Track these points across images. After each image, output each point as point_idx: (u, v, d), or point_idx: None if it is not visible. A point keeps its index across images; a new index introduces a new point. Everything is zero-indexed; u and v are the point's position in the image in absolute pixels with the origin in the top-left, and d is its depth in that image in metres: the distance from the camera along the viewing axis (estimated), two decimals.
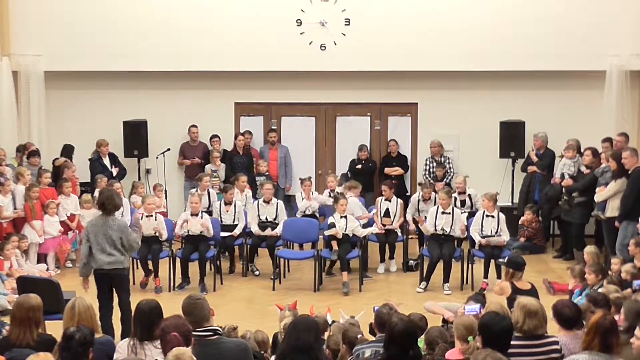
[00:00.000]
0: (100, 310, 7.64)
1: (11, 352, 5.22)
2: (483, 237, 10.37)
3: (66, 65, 12.75)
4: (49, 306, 6.23)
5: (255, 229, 10.91)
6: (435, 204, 10.95)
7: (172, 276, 10.32)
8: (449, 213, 10.40)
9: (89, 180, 12.48)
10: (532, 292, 7.04)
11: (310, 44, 12.68)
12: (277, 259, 10.56)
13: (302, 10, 12.69)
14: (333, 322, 6.64)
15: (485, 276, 10.29)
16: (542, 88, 12.86)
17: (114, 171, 12.60)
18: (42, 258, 10.98)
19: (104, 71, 12.93)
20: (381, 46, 12.53)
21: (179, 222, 10.55)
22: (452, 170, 12.77)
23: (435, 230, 10.39)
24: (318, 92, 13.25)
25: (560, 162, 11.72)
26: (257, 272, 10.96)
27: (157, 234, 10.32)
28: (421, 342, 5.59)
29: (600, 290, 7.19)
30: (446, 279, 10.26)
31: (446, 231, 10.33)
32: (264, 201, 11.02)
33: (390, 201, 11.11)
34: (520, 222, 12.04)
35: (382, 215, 11.11)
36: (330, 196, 11.21)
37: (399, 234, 11.17)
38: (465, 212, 11.06)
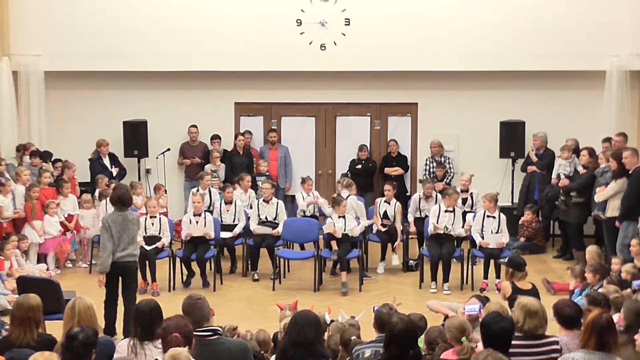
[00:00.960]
0: (106, 303, 7.94)
1: (11, 352, 5.23)
2: (484, 237, 10.38)
3: (66, 65, 12.75)
4: (49, 306, 6.23)
5: (254, 226, 10.91)
6: (436, 202, 10.94)
7: (172, 276, 10.32)
8: (452, 211, 10.40)
9: (89, 180, 12.48)
10: (533, 292, 7.04)
11: (310, 44, 12.68)
12: (277, 259, 10.55)
13: (302, 10, 12.69)
14: (332, 321, 6.63)
15: (485, 276, 10.29)
16: (542, 88, 12.86)
17: (114, 171, 12.60)
18: (42, 258, 10.98)
19: (104, 71, 12.93)
20: (381, 46, 12.53)
21: (184, 227, 10.53)
22: (452, 170, 12.77)
23: (437, 230, 10.39)
24: (318, 92, 13.25)
25: (556, 162, 11.72)
26: (256, 278, 10.92)
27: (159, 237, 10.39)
28: (421, 342, 5.59)
29: (600, 290, 7.19)
30: (446, 279, 10.26)
31: (449, 229, 10.32)
32: (264, 200, 11.03)
33: (389, 203, 11.10)
34: (520, 222, 12.04)
35: (381, 217, 11.11)
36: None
37: (399, 234, 11.14)
38: (465, 210, 11.04)
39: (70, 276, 10.85)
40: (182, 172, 13.37)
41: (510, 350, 4.86)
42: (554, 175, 11.58)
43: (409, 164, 13.20)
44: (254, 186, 12.08)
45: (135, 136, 12.95)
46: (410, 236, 11.54)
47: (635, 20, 12.27)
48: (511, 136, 12.57)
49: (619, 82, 12.33)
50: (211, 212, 10.87)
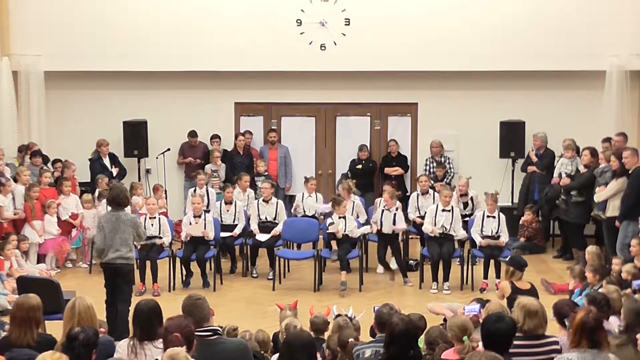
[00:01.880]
0: (107, 305, 8.00)
1: (11, 352, 5.23)
2: (483, 237, 10.38)
3: (66, 65, 12.75)
4: (49, 306, 6.23)
5: (254, 227, 10.91)
6: (434, 200, 10.94)
7: (172, 276, 10.32)
8: (449, 210, 10.39)
9: (89, 180, 12.47)
10: (532, 292, 7.05)
11: (310, 44, 12.68)
12: (277, 259, 10.55)
13: (302, 10, 12.69)
14: (338, 315, 6.61)
15: (485, 276, 10.29)
16: (542, 88, 12.85)
17: (114, 171, 12.60)
18: (41, 258, 10.98)
19: (104, 71, 12.93)
20: (381, 46, 12.53)
21: (184, 228, 10.53)
22: (452, 170, 12.77)
23: (435, 230, 10.39)
24: (318, 92, 13.24)
25: (559, 161, 11.72)
26: (255, 275, 10.95)
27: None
28: (421, 342, 5.59)
29: (600, 290, 7.19)
30: (446, 279, 10.26)
31: (446, 229, 10.33)
32: (264, 200, 11.03)
33: (389, 211, 11.07)
34: (520, 222, 12.04)
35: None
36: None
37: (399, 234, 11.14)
38: (466, 213, 11.05)
39: (70, 276, 10.85)
40: (182, 172, 13.37)
41: (510, 350, 4.87)
42: (555, 174, 11.58)
43: (409, 164, 13.20)
44: (253, 186, 12.09)
45: (135, 136, 12.95)
46: (410, 236, 11.55)
47: (635, 20, 12.27)
48: (511, 136, 12.57)
49: (619, 82, 12.33)
50: (208, 211, 10.87)
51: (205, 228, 10.40)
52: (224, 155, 12.95)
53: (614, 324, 6.10)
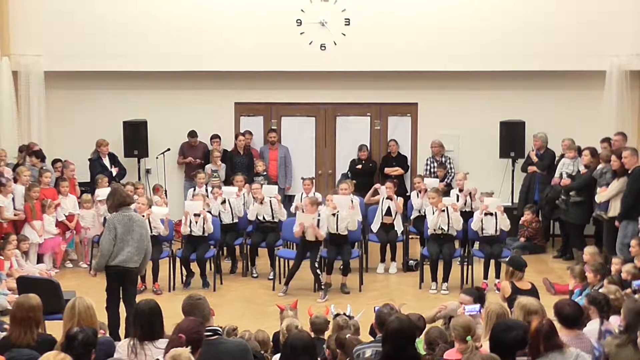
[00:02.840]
0: (108, 309, 7.83)
1: (11, 352, 5.22)
2: (483, 237, 10.38)
3: (66, 65, 12.74)
4: (49, 306, 6.23)
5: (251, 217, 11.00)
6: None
7: (172, 276, 10.33)
8: (444, 211, 10.39)
9: (89, 180, 12.47)
10: (533, 292, 7.05)
11: (310, 44, 12.68)
12: (277, 259, 10.54)
13: (302, 10, 12.69)
14: (337, 315, 6.61)
15: (485, 276, 10.29)
16: (542, 88, 12.85)
17: (114, 171, 12.59)
18: (41, 258, 10.97)
19: (104, 71, 12.92)
20: (381, 46, 12.53)
21: (183, 227, 10.51)
22: (452, 170, 12.77)
23: (434, 230, 10.39)
24: (318, 92, 13.25)
25: (560, 161, 11.71)
26: (255, 275, 10.96)
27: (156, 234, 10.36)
28: (421, 342, 5.59)
29: (600, 290, 7.19)
30: (445, 279, 10.27)
31: (444, 230, 10.33)
32: (259, 202, 11.02)
33: (391, 199, 11.12)
34: (520, 222, 12.04)
35: (383, 213, 11.11)
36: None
37: (399, 233, 11.16)
38: (466, 210, 11.05)
39: (70, 276, 10.85)
40: (182, 172, 13.37)
41: None
42: (557, 174, 11.58)
43: (409, 164, 13.20)
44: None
45: (135, 136, 12.95)
46: (410, 236, 11.55)
47: (635, 20, 12.27)
48: (511, 136, 12.57)
49: (619, 82, 12.33)
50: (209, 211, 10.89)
51: (204, 224, 10.40)
52: (224, 155, 12.95)
53: (614, 324, 6.09)
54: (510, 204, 12.57)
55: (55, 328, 5.98)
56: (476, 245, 10.70)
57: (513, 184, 12.74)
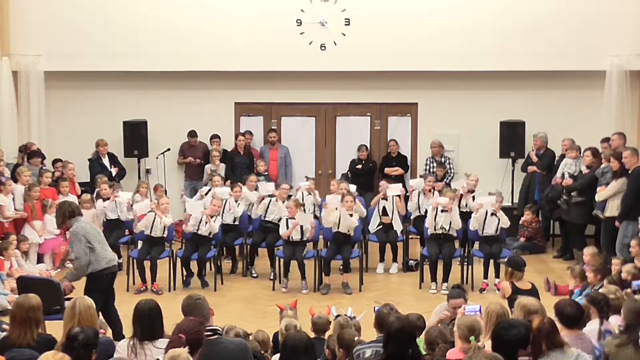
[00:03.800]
0: (106, 314, 7.79)
1: (11, 352, 5.22)
2: (483, 237, 10.37)
3: (66, 65, 12.74)
4: (49, 306, 6.23)
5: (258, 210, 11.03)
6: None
7: (172, 276, 10.32)
8: (447, 211, 10.38)
9: (89, 180, 12.47)
10: (533, 292, 7.04)
11: (310, 44, 12.68)
12: (277, 259, 10.55)
13: (302, 10, 12.69)
14: (337, 316, 6.61)
15: (485, 276, 10.29)
16: (542, 88, 12.85)
17: (114, 171, 12.60)
18: (41, 258, 10.97)
19: (104, 71, 12.92)
20: (381, 46, 12.53)
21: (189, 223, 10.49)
22: (452, 170, 12.77)
23: (435, 229, 10.39)
24: (318, 92, 13.25)
25: (562, 161, 11.71)
26: (255, 275, 10.97)
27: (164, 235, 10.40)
28: (421, 342, 5.59)
29: (600, 290, 7.19)
30: (445, 279, 10.26)
31: (445, 229, 10.33)
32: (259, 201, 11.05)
33: (387, 200, 11.12)
34: (520, 222, 12.04)
35: (380, 213, 11.11)
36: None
37: (399, 233, 11.16)
38: (469, 211, 11.04)
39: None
40: (182, 172, 13.37)
41: None
42: (558, 174, 11.57)
43: (409, 164, 13.20)
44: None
45: (135, 136, 12.95)
46: (410, 236, 11.55)
47: (635, 20, 12.27)
48: (511, 136, 12.56)
49: (619, 82, 12.33)
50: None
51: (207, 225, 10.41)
52: (224, 155, 12.95)
53: (614, 324, 6.10)
54: (510, 204, 12.57)
55: (55, 328, 5.98)
56: (476, 245, 10.69)
57: (513, 184, 12.74)
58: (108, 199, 11.15)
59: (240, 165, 12.84)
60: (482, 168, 12.54)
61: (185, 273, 10.50)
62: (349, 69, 12.71)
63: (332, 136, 13.57)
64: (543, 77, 12.74)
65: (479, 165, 12.60)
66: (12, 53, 12.88)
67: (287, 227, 10.37)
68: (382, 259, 11.20)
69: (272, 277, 10.53)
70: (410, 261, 11.26)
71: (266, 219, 11.03)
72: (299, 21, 12.69)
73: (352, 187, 11.14)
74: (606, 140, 11.33)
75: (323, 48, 12.71)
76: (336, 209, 10.41)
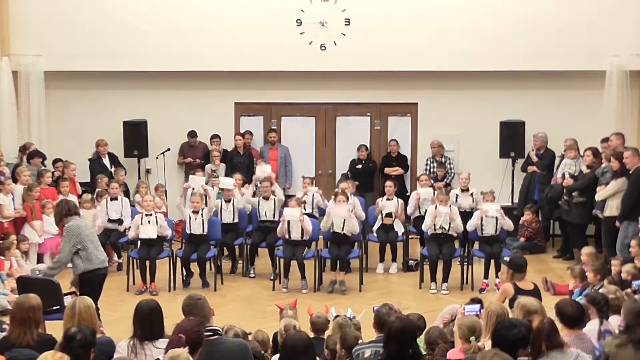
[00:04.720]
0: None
1: (11, 352, 5.22)
2: (483, 237, 10.37)
3: (66, 65, 12.74)
4: (49, 306, 6.23)
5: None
6: (435, 195, 10.93)
7: (172, 276, 10.32)
8: (447, 211, 10.39)
9: (89, 180, 12.47)
10: (535, 292, 7.03)
11: (310, 44, 12.68)
12: (277, 259, 10.55)
13: (302, 10, 12.69)
14: (337, 316, 6.61)
15: (486, 276, 10.29)
16: (542, 88, 12.85)
17: (114, 171, 12.59)
18: (41, 258, 10.98)
19: (104, 71, 12.92)
20: (381, 46, 12.53)
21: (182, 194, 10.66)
22: (452, 170, 12.77)
23: (435, 229, 10.40)
24: (318, 92, 13.25)
25: (562, 162, 11.71)
26: (253, 275, 10.97)
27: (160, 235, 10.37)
28: (421, 342, 5.59)
29: (600, 290, 7.19)
30: (445, 279, 10.26)
31: (445, 229, 10.33)
32: (263, 198, 11.05)
33: (391, 200, 11.12)
34: (520, 222, 12.03)
35: (383, 215, 11.11)
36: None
37: (399, 233, 11.16)
38: (466, 210, 11.06)
39: (70, 276, 10.80)
40: (182, 172, 13.37)
41: None
42: (559, 175, 11.57)
43: (409, 164, 13.20)
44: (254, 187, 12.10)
45: (135, 136, 12.95)
46: (410, 236, 11.55)
47: (635, 20, 12.27)
48: (511, 136, 12.56)
49: (619, 82, 12.32)
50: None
51: (203, 225, 10.41)
52: (224, 155, 12.96)
53: (613, 324, 6.10)
54: (510, 204, 12.57)
55: (55, 328, 5.98)
56: (476, 245, 10.69)
57: (513, 184, 12.74)
58: (115, 198, 11.16)
59: (240, 165, 12.84)
60: (482, 168, 12.55)
61: (185, 273, 10.50)
62: (349, 69, 12.70)
63: (332, 136, 13.57)
64: (543, 77, 12.74)
65: (479, 165, 12.61)
66: (12, 53, 12.88)
67: (288, 226, 10.35)
68: (382, 259, 11.20)
69: (272, 277, 10.53)
70: (410, 261, 11.26)
71: (263, 219, 11.02)
72: (299, 21, 12.69)
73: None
74: (606, 140, 11.32)
75: (323, 48, 12.71)
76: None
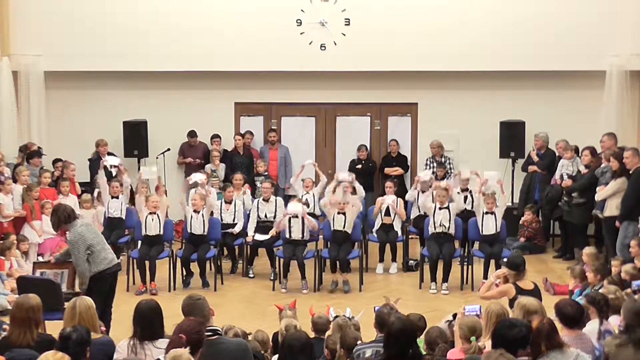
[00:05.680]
0: (105, 308, 7.63)
1: (11, 352, 5.22)
2: (483, 236, 10.38)
3: (66, 65, 12.75)
4: (49, 306, 6.22)
5: (250, 233, 10.92)
6: (434, 200, 10.93)
7: (172, 276, 10.32)
8: (447, 208, 10.40)
9: (89, 180, 12.47)
10: (535, 292, 7.02)
11: (310, 44, 12.68)
12: (277, 259, 10.55)
13: (302, 10, 12.69)
14: (336, 316, 6.62)
15: (485, 276, 10.26)
16: (542, 88, 12.85)
17: (114, 171, 12.57)
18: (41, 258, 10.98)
19: (104, 71, 12.93)
20: (381, 46, 12.53)
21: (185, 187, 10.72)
22: (452, 170, 12.76)
23: (435, 228, 10.40)
24: (318, 92, 13.25)
25: (560, 162, 11.71)
26: (251, 275, 10.97)
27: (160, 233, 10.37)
28: (421, 342, 5.59)
29: (600, 290, 7.18)
30: (445, 279, 10.27)
31: (446, 227, 10.33)
32: (264, 199, 11.05)
33: (390, 200, 11.13)
34: (520, 222, 12.04)
35: (382, 214, 11.12)
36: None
37: (399, 233, 11.17)
38: (466, 208, 11.06)
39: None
40: (182, 172, 13.37)
41: None
42: (557, 176, 11.57)
43: (409, 164, 13.20)
44: (254, 186, 12.10)
45: (135, 136, 12.95)
46: (410, 236, 11.55)
47: (635, 20, 12.27)
48: (511, 136, 12.57)
49: (619, 82, 12.33)
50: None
51: (204, 225, 10.40)
52: (224, 155, 12.96)
53: (613, 324, 6.09)
54: (510, 203, 12.56)
55: (55, 328, 5.97)
56: (476, 245, 10.69)
57: (513, 184, 12.74)
58: (117, 197, 11.16)
59: (240, 165, 12.84)
60: (482, 168, 12.49)
61: (185, 273, 10.49)
62: (349, 69, 12.71)
63: (332, 136, 13.57)
64: (543, 77, 12.74)
65: (479, 165, 12.55)
66: (12, 53, 12.88)
67: (289, 224, 10.34)
68: (381, 259, 11.20)
69: (272, 277, 10.53)
70: (410, 261, 11.26)
71: (262, 218, 11.02)
72: (299, 21, 12.69)
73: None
74: None
75: (323, 48, 12.71)
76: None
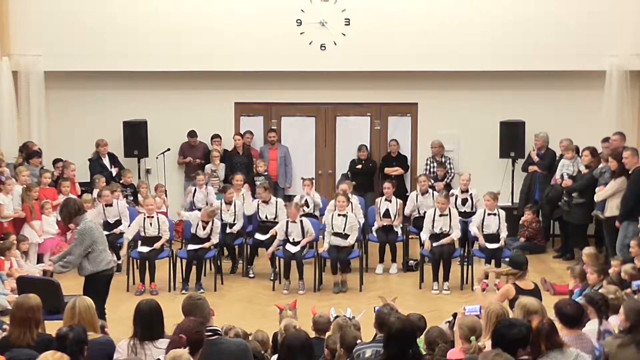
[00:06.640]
0: (102, 310, 7.65)
1: (11, 352, 5.22)
2: (484, 236, 10.37)
3: (66, 65, 12.75)
4: (49, 306, 6.22)
5: (257, 235, 10.94)
6: (434, 200, 10.93)
7: (172, 276, 10.32)
8: (447, 215, 10.40)
9: (89, 180, 12.47)
10: (535, 292, 7.03)
11: (310, 44, 12.68)
12: (277, 259, 10.54)
13: (302, 10, 12.69)
14: (337, 316, 6.62)
15: (485, 276, 10.26)
16: (542, 88, 12.85)
17: (114, 171, 12.60)
18: (41, 258, 10.97)
19: (104, 71, 12.92)
20: (381, 46, 12.53)
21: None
22: (452, 170, 12.77)
23: (434, 230, 10.40)
24: (318, 92, 13.25)
25: (560, 162, 11.71)
26: (252, 275, 10.97)
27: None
28: (421, 342, 5.59)
29: (600, 290, 7.18)
30: (446, 278, 10.28)
31: (445, 231, 10.34)
32: (263, 202, 11.05)
33: (390, 201, 11.12)
34: (520, 222, 12.04)
35: (381, 215, 11.12)
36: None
37: (399, 233, 11.17)
38: (465, 210, 11.07)
39: (70, 276, 10.76)
40: (182, 172, 13.37)
41: None
42: (557, 176, 11.57)
43: (409, 164, 13.20)
44: (253, 186, 12.09)
45: (135, 136, 12.95)
46: (410, 236, 11.55)
47: (635, 20, 12.27)
48: (511, 136, 12.56)
49: (619, 82, 12.33)
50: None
51: (211, 232, 10.45)
52: (224, 155, 12.96)
53: (613, 324, 6.09)
54: (510, 203, 12.58)
55: (55, 328, 5.96)
56: (476, 245, 10.69)
57: (513, 184, 12.74)
58: (110, 204, 11.10)
59: (239, 165, 12.84)
60: (482, 168, 12.56)
61: (185, 275, 10.46)
62: (349, 69, 12.71)
63: (332, 136, 13.57)
64: (543, 77, 12.74)
65: (479, 165, 12.62)
66: (12, 53, 12.88)
67: (287, 229, 10.34)
68: (381, 259, 11.20)
69: (272, 278, 10.53)
70: (411, 261, 11.26)
71: (263, 218, 11.02)
72: (299, 21, 12.68)
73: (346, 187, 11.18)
74: (606, 140, 11.33)
75: (323, 48, 12.71)
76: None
